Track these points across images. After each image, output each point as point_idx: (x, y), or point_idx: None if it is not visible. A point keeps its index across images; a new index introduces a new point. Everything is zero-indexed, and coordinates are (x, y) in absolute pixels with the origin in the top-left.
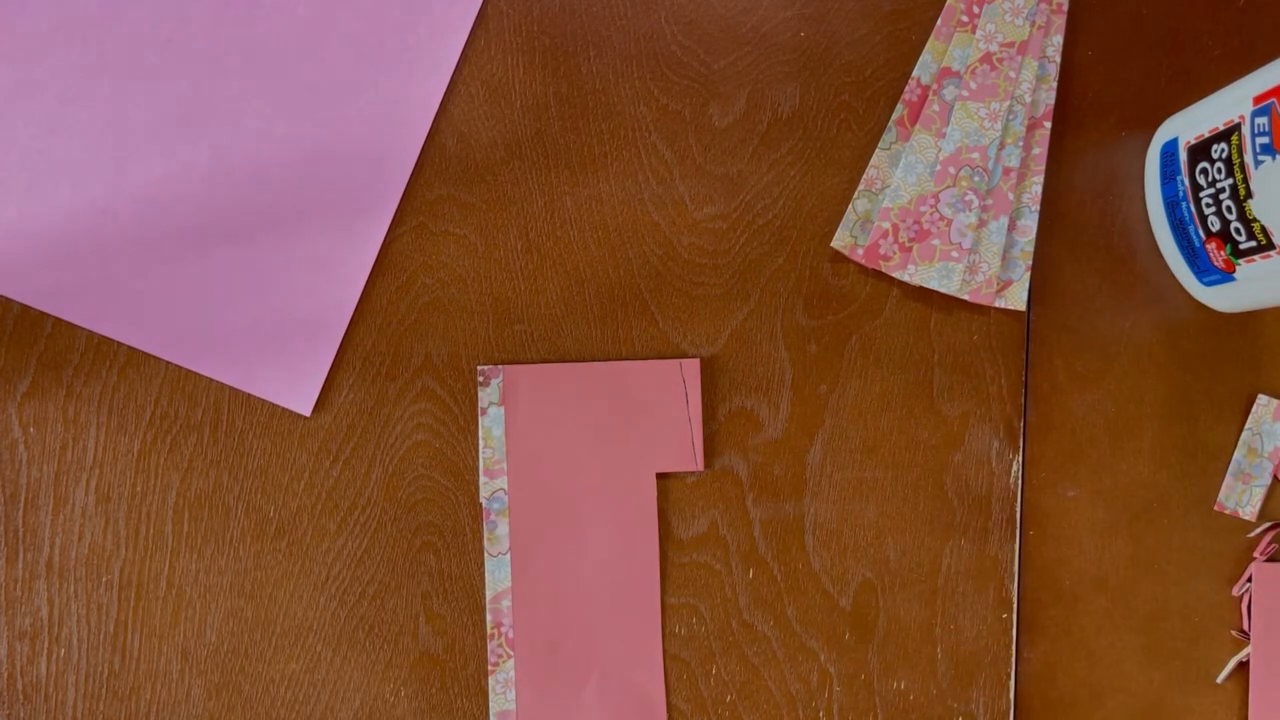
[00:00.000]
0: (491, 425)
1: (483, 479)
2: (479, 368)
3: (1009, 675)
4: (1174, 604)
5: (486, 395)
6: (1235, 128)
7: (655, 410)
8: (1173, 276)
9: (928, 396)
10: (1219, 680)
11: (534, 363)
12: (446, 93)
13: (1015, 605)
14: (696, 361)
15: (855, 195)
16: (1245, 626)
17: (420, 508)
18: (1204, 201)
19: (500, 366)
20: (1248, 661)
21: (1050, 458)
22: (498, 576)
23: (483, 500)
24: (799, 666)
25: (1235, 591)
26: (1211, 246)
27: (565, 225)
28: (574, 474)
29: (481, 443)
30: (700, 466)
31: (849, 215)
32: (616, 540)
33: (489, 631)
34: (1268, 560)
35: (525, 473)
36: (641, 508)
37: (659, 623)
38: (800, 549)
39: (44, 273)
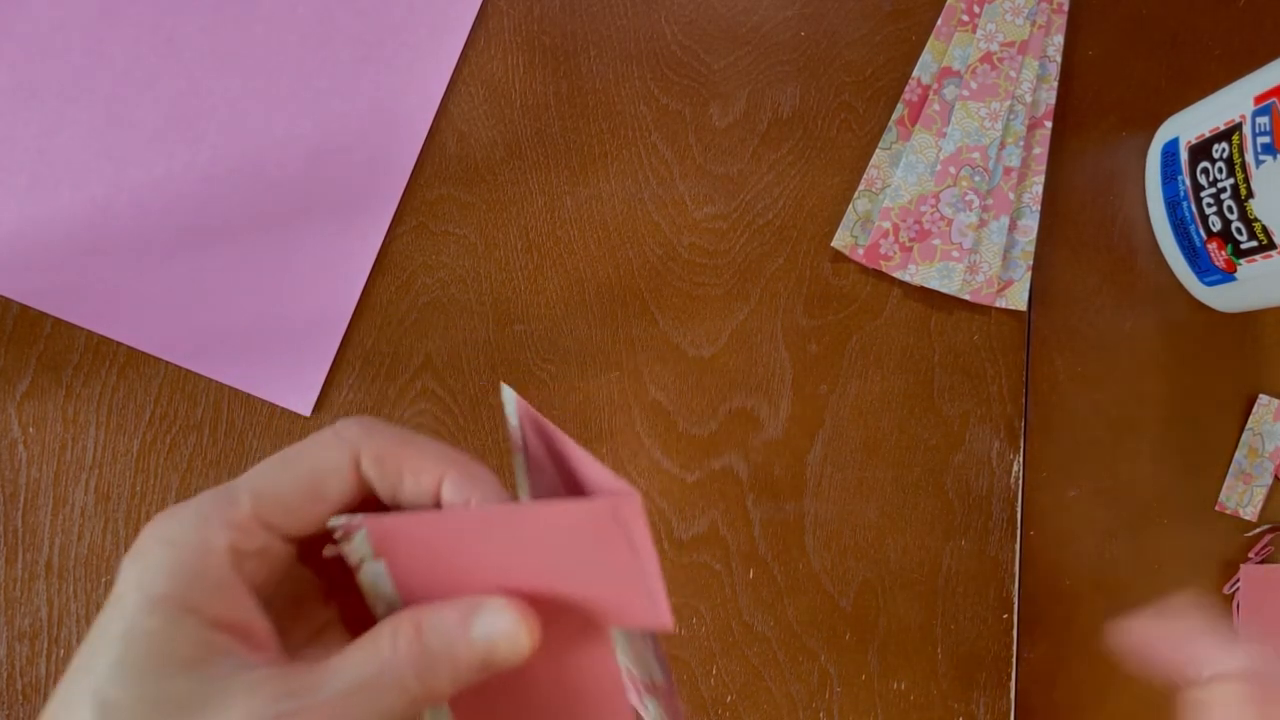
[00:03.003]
0: (376, 583)
1: None
2: (332, 523)
3: (1009, 675)
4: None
5: (354, 550)
6: (1236, 127)
7: (592, 563)
8: (1173, 276)
9: (928, 396)
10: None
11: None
12: (446, 93)
13: (1015, 605)
14: (636, 497)
15: (855, 195)
16: (1236, 625)
17: None
18: (1205, 201)
19: (359, 518)
20: None
21: (1050, 458)
22: None
23: None
24: (799, 666)
25: (1225, 590)
26: (1212, 246)
27: (565, 225)
28: None
29: (371, 604)
30: (667, 621)
31: (849, 215)
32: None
33: None
34: (1261, 562)
35: None
36: (600, 673)
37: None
38: (800, 549)
39: (44, 273)
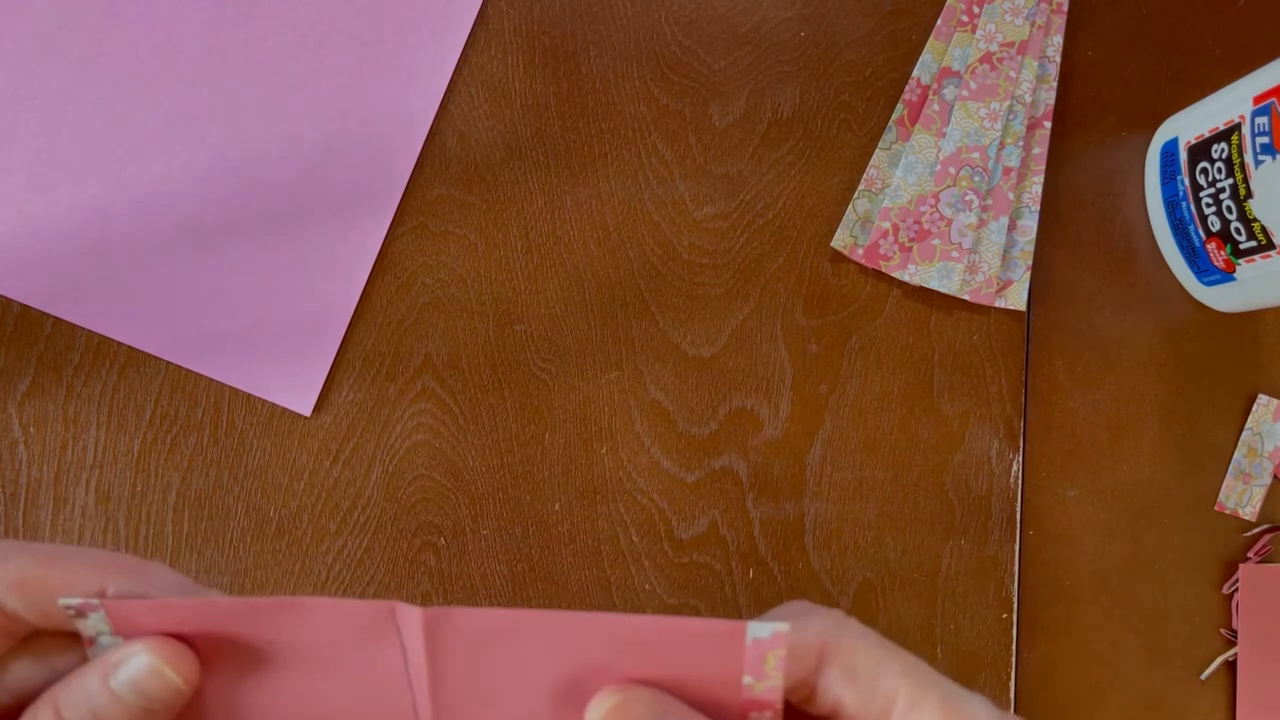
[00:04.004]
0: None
1: None
2: (63, 602)
3: (1009, 675)
4: (1174, 604)
5: (89, 626)
6: (1235, 127)
7: (359, 666)
8: (1173, 276)
9: (928, 396)
10: (1203, 678)
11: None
12: (446, 93)
13: (1015, 605)
14: (418, 610)
15: (855, 195)
16: (1234, 625)
17: (420, 508)
18: (1204, 201)
19: (95, 601)
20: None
21: (1050, 458)
22: None
23: None
24: None
25: (1225, 589)
26: (1211, 246)
27: (565, 225)
28: None
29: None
30: None
31: (849, 215)
32: None
33: None
34: (1260, 561)
35: None
36: None
37: None
38: (800, 549)
39: (44, 273)
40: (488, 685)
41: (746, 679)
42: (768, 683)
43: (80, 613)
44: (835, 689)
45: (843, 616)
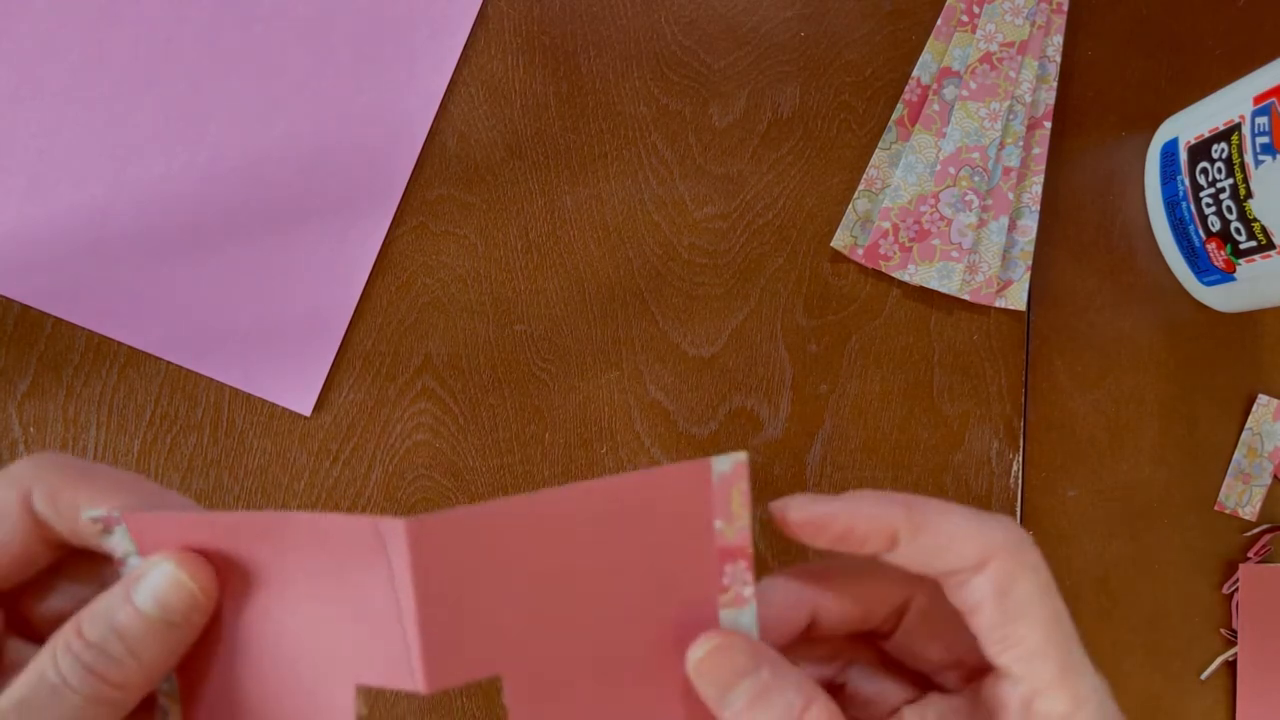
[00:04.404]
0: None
1: None
2: (87, 514)
3: None
4: (1173, 604)
5: (117, 544)
6: (1235, 127)
7: (348, 583)
8: (1173, 276)
9: (928, 396)
10: (1203, 677)
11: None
12: (446, 93)
13: None
14: (401, 525)
15: (855, 195)
16: (1234, 625)
17: (420, 508)
18: (1204, 201)
19: (117, 512)
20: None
21: (1050, 458)
22: None
23: None
24: None
25: (1225, 589)
26: (1211, 246)
27: (565, 225)
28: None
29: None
30: (420, 683)
31: (849, 215)
32: None
33: None
34: (1260, 561)
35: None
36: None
37: None
38: (801, 549)
39: (44, 273)
40: (474, 588)
41: (718, 523)
42: (736, 524)
43: (106, 527)
44: (980, 594)
45: (1030, 542)
